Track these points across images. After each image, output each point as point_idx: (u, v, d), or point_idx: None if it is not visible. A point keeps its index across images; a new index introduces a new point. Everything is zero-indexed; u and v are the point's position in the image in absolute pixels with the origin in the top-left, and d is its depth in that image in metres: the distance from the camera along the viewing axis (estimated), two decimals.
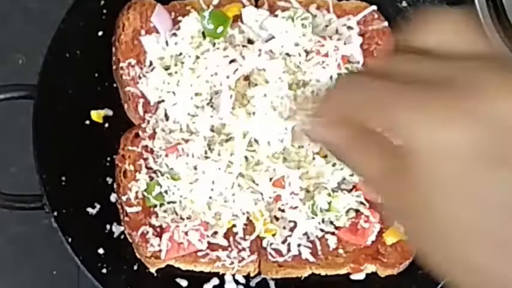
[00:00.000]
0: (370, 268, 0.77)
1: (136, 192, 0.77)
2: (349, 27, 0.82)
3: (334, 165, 0.77)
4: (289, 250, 0.76)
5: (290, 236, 0.76)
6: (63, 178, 0.76)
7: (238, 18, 0.81)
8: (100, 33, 0.81)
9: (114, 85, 0.81)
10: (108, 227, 0.77)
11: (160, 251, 0.75)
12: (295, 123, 0.74)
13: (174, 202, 0.77)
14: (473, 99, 0.34)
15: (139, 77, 0.79)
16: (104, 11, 0.81)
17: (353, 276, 0.77)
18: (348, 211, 0.76)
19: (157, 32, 0.81)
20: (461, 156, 0.34)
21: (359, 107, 0.38)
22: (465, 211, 0.34)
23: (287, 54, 0.80)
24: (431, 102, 0.35)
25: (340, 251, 0.77)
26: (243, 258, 0.76)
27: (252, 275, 0.77)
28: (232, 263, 0.76)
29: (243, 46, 0.79)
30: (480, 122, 0.34)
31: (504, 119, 0.34)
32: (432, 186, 0.35)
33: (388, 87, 0.36)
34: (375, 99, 0.37)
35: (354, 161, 0.39)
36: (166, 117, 0.79)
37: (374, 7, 0.83)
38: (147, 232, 0.76)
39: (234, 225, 0.77)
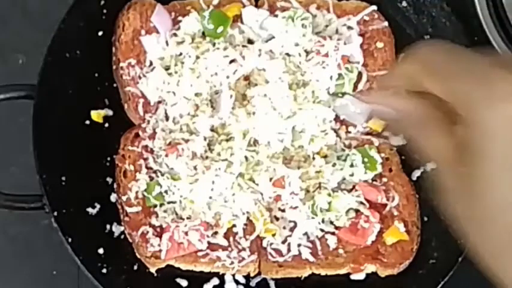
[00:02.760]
0: (370, 268, 0.77)
1: (137, 192, 0.77)
2: (349, 27, 0.82)
3: (334, 165, 0.77)
4: (289, 250, 0.76)
5: (290, 236, 0.76)
6: (63, 178, 0.76)
7: (238, 18, 0.81)
8: (100, 33, 0.81)
9: (114, 85, 0.81)
10: (108, 227, 0.77)
11: (160, 251, 0.75)
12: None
13: (174, 202, 0.77)
14: None
15: (140, 77, 0.79)
16: (104, 11, 0.81)
17: (353, 276, 0.77)
18: (348, 211, 0.76)
19: (158, 32, 0.81)
20: None
21: (446, 71, 0.39)
22: None
23: (287, 54, 0.80)
24: (497, 80, 0.36)
25: (340, 251, 0.77)
26: (243, 258, 0.76)
27: (252, 275, 0.77)
28: (232, 263, 0.76)
29: (243, 46, 0.79)
30: None
31: None
32: (493, 156, 0.35)
33: (476, 61, 0.37)
34: (464, 68, 0.38)
35: (423, 137, 0.40)
36: (166, 117, 0.79)
37: (374, 7, 0.83)
38: (147, 232, 0.76)
39: (234, 225, 0.77)
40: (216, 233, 0.76)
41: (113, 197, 0.78)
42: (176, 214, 0.77)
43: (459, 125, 0.37)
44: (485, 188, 0.36)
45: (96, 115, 0.80)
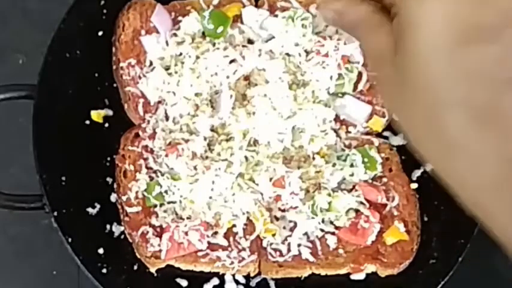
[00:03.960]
0: (370, 268, 0.77)
1: (137, 192, 0.77)
2: None
3: (334, 165, 0.77)
4: (289, 250, 0.76)
5: (290, 236, 0.76)
6: (63, 178, 0.76)
7: (238, 18, 0.81)
8: (100, 33, 0.81)
9: (114, 85, 0.81)
10: (108, 227, 0.78)
11: (160, 251, 0.75)
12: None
13: (174, 202, 0.77)
14: None
15: (140, 77, 0.80)
16: (104, 11, 0.81)
17: (353, 276, 0.77)
18: (348, 211, 0.76)
19: (158, 32, 0.81)
20: (451, 19, 0.36)
21: None
22: (449, 77, 0.36)
23: (287, 54, 0.80)
24: None
25: (340, 251, 0.77)
26: (243, 258, 0.76)
27: (252, 275, 0.77)
28: (232, 263, 0.76)
29: (243, 46, 0.79)
30: None
31: None
32: (422, 48, 0.37)
33: None
34: None
35: (361, 38, 0.43)
36: (166, 117, 0.79)
37: None
38: (147, 232, 0.76)
39: (234, 225, 0.77)
40: (216, 233, 0.76)
41: (113, 197, 0.78)
42: (176, 214, 0.77)
43: (395, 19, 0.39)
44: (417, 73, 0.38)
45: (96, 115, 0.80)
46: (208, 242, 0.76)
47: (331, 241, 0.77)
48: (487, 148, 0.35)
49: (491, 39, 0.35)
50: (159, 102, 0.79)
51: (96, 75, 0.81)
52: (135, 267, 0.77)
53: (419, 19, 0.37)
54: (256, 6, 0.83)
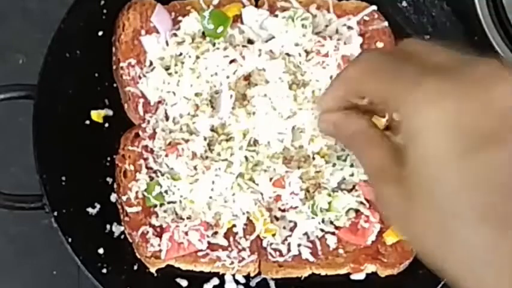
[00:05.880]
0: (370, 268, 0.77)
1: (137, 192, 0.77)
2: (349, 27, 0.82)
3: (334, 165, 0.77)
4: (289, 250, 0.76)
5: (290, 236, 0.76)
6: (63, 178, 0.76)
7: (238, 18, 0.81)
8: (100, 33, 0.81)
9: (114, 85, 0.81)
10: (108, 227, 0.77)
11: (160, 251, 0.75)
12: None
13: (174, 202, 0.77)
14: (466, 81, 0.35)
15: (140, 77, 0.79)
16: (104, 11, 0.81)
17: (353, 276, 0.77)
18: (348, 211, 0.76)
19: (158, 32, 0.81)
20: (454, 129, 0.35)
21: (382, 72, 0.40)
22: (460, 188, 0.35)
23: (287, 54, 0.80)
24: (428, 80, 0.36)
25: (340, 251, 0.77)
26: (243, 258, 0.76)
27: (252, 275, 0.77)
28: (232, 263, 0.76)
29: (243, 46, 0.79)
30: (471, 98, 0.34)
31: (493, 100, 0.34)
32: (429, 161, 0.35)
33: (397, 65, 0.38)
34: (390, 74, 0.39)
35: (359, 152, 0.40)
36: (166, 117, 0.79)
37: (374, 7, 0.83)
38: (147, 232, 0.76)
39: (234, 225, 0.77)
40: (216, 233, 0.76)
41: (113, 197, 0.78)
42: (176, 214, 0.77)
43: (392, 130, 0.38)
44: (426, 188, 0.36)
45: (96, 115, 0.80)
46: (208, 242, 0.76)
47: (331, 241, 0.77)
48: (504, 255, 0.35)
49: (497, 146, 0.35)
50: (159, 102, 0.79)
51: (96, 75, 0.81)
52: (135, 267, 0.77)
53: (422, 131, 0.36)
54: (256, 6, 0.83)
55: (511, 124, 0.35)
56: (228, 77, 0.78)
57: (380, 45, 0.82)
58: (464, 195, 0.35)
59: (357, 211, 0.77)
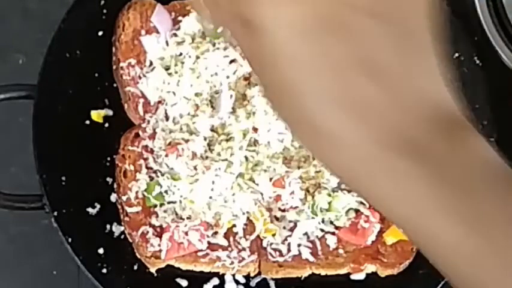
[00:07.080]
0: (370, 268, 0.77)
1: (137, 192, 0.77)
2: None
3: None
4: (289, 250, 0.76)
5: (290, 236, 0.76)
6: (63, 178, 0.76)
7: None
8: (100, 33, 0.81)
9: (114, 85, 0.81)
10: (108, 227, 0.77)
11: (160, 251, 0.75)
12: None
13: (174, 202, 0.77)
14: None
15: (140, 77, 0.79)
16: (104, 11, 0.81)
17: (353, 276, 0.77)
18: (348, 211, 0.76)
19: (158, 32, 0.81)
20: (305, 27, 0.35)
21: None
22: (314, 75, 0.35)
23: None
24: None
25: (340, 251, 0.77)
26: (243, 258, 0.76)
27: (252, 275, 0.77)
28: (232, 263, 0.76)
29: None
30: None
31: None
32: (279, 53, 0.35)
33: None
34: None
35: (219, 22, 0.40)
36: (166, 117, 0.79)
37: None
38: (147, 232, 0.76)
39: (234, 225, 0.76)
40: (216, 233, 0.76)
41: (113, 197, 0.78)
42: (176, 214, 0.77)
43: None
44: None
45: (96, 115, 0.80)
46: (208, 242, 0.76)
47: (331, 241, 0.77)
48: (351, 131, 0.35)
49: (341, 31, 0.35)
50: (159, 102, 0.79)
51: (96, 75, 0.81)
52: (135, 267, 0.77)
53: (274, 33, 0.35)
54: None
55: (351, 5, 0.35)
56: (228, 77, 0.78)
57: None
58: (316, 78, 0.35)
59: (357, 211, 0.77)
